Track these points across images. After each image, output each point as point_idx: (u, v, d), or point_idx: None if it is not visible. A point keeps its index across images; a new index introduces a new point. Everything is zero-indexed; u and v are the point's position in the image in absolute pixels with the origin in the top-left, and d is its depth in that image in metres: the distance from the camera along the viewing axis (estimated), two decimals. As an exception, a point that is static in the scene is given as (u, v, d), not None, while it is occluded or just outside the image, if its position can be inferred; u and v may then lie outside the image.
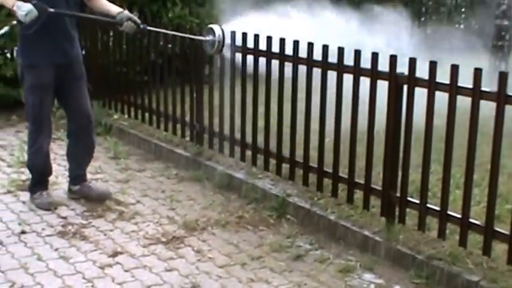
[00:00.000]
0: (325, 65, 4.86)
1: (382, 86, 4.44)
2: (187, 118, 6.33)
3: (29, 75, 4.95)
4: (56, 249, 4.45)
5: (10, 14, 5.71)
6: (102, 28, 7.45)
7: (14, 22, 4.70)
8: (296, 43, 5.07)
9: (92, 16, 5.44)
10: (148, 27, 5.28)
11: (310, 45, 4.98)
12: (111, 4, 5.20)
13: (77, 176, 5.39)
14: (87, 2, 5.21)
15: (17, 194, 5.42)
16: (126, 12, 5.09)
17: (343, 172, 4.86)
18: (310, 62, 4.96)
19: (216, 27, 5.21)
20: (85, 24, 7.32)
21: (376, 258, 4.37)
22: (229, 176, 5.61)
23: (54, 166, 5.52)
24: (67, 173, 5.50)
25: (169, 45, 6.63)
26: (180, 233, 4.74)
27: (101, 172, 6.00)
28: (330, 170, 4.93)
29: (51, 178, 5.42)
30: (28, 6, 4.62)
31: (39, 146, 5.11)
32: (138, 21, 5.08)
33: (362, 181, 4.70)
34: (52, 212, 5.07)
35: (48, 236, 4.65)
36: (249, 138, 5.65)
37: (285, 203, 5.04)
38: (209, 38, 5.22)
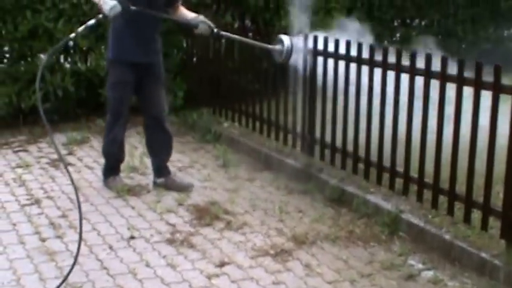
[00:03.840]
0: (444, 77, 4.74)
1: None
2: (299, 128, 6.30)
3: (113, 71, 5.50)
4: (164, 256, 4.49)
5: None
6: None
7: (100, 16, 5.02)
8: (414, 55, 5.00)
9: (171, 17, 5.66)
10: (222, 32, 5.50)
11: (428, 56, 4.87)
12: (189, 12, 5.56)
13: (158, 168, 5.78)
14: (169, 11, 5.52)
15: (126, 199, 5.54)
16: (202, 16, 5.43)
17: (460, 190, 4.70)
18: (428, 74, 4.87)
19: (285, 37, 5.46)
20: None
21: (494, 283, 4.18)
22: (341, 189, 5.54)
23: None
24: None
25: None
26: (289, 245, 4.69)
27: (210, 180, 6.05)
28: (446, 187, 4.79)
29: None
30: (113, 2, 5.00)
31: (114, 136, 5.61)
32: (213, 25, 5.39)
33: (480, 200, 4.52)
34: (161, 218, 5.13)
35: (156, 242, 4.71)
36: (361, 151, 5.56)
37: (398, 219, 4.92)
38: (278, 47, 5.47)
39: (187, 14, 5.54)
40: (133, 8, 5.13)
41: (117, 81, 5.48)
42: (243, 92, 7.16)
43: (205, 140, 7.21)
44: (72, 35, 5.05)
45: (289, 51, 5.43)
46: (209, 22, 5.39)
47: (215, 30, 5.39)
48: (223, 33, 5.59)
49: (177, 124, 7.66)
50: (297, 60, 5.94)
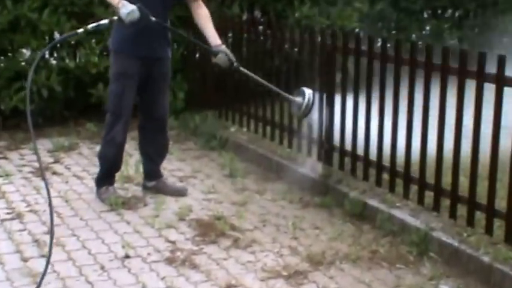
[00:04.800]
0: (480, 77, 4.74)
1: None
2: (315, 134, 6.32)
3: (115, 62, 5.61)
4: (163, 278, 4.49)
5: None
6: (220, 28, 7.54)
7: (115, 18, 5.17)
8: (446, 51, 5.02)
9: (190, 37, 5.92)
10: (241, 68, 5.73)
11: (463, 53, 4.89)
12: (214, 32, 5.68)
13: (151, 171, 5.95)
14: (193, 10, 5.72)
15: (120, 213, 5.55)
16: (224, 47, 5.64)
17: (500, 205, 4.68)
18: (464, 73, 4.87)
19: (307, 91, 5.71)
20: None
21: (538, 311, 4.16)
22: (362, 203, 5.53)
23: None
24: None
25: (296, 49, 6.63)
26: (304, 266, 4.68)
27: (215, 192, 6.06)
28: (484, 202, 4.77)
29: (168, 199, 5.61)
30: (132, 6, 5.13)
31: (113, 137, 5.65)
32: (233, 58, 5.63)
33: (523, 217, 4.52)
34: (159, 235, 5.14)
35: (154, 262, 4.72)
36: (386, 160, 5.57)
37: (428, 237, 4.91)
38: (298, 99, 5.73)
39: (210, 32, 5.67)
40: (153, 18, 5.27)
41: (120, 72, 5.58)
42: (253, 93, 7.13)
43: (209, 146, 7.25)
44: (80, 30, 5.15)
45: (310, 107, 5.70)
46: (230, 54, 5.62)
47: (235, 64, 5.63)
48: (242, 69, 5.77)
49: (177, 129, 7.71)
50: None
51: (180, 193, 5.92)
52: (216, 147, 7.17)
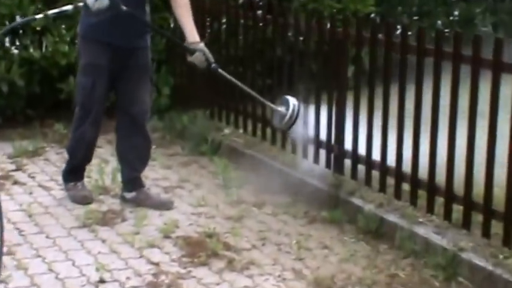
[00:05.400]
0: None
1: None
2: (323, 136, 6.31)
3: (85, 50, 5.77)
4: (144, 307, 4.48)
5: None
6: (212, 13, 7.55)
7: (80, 4, 5.33)
8: (478, 39, 5.01)
9: (163, 32, 6.16)
10: (220, 70, 5.78)
11: (498, 42, 4.88)
12: (193, 26, 5.75)
13: (130, 180, 5.98)
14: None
15: (95, 229, 5.54)
16: (202, 45, 5.73)
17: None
18: (499, 66, 4.87)
19: (292, 100, 5.81)
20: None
21: None
22: (378, 218, 5.53)
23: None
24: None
25: (301, 38, 6.65)
26: (310, 293, 4.69)
27: (205, 205, 6.06)
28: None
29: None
30: None
31: (81, 134, 5.86)
32: (212, 59, 5.72)
33: None
34: (140, 255, 5.14)
35: (134, 287, 4.70)
36: (407, 167, 5.56)
37: (456, 259, 4.90)
38: (281, 109, 5.84)
39: (187, 26, 5.74)
40: (124, 8, 5.36)
41: (88, 63, 5.72)
42: (250, 89, 6.90)
43: (199, 151, 7.26)
44: (39, 16, 5.16)
45: (294, 118, 5.78)
46: (208, 54, 5.70)
47: (213, 65, 5.72)
48: (221, 71, 5.83)
49: (162, 130, 7.73)
50: None
51: (165, 206, 5.93)
52: (207, 152, 7.17)
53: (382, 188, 5.79)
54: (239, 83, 6.07)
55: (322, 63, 6.36)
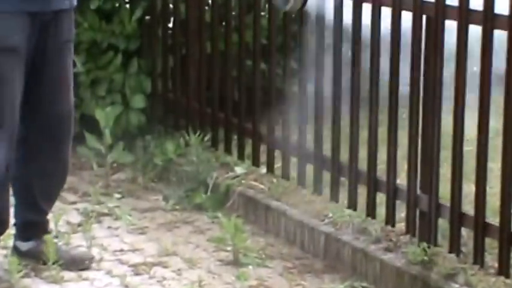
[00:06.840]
0: None
1: None
2: (402, 180, 6.02)
3: None
4: None
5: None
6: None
7: None
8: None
9: None
10: None
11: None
12: None
13: (30, 224, 6.03)
14: None
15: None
16: None
17: None
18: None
19: None
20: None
21: None
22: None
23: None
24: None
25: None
26: None
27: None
28: None
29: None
30: None
31: None
32: None
33: None
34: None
35: None
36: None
37: None
38: None
39: None
40: None
41: None
42: (277, 99, 7.04)
43: (194, 204, 7.13)
44: None
45: None
46: None
47: None
48: None
49: (130, 167, 7.77)
50: None
51: (80, 264, 5.98)
52: (207, 205, 7.01)
53: (502, 270, 5.51)
54: None
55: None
